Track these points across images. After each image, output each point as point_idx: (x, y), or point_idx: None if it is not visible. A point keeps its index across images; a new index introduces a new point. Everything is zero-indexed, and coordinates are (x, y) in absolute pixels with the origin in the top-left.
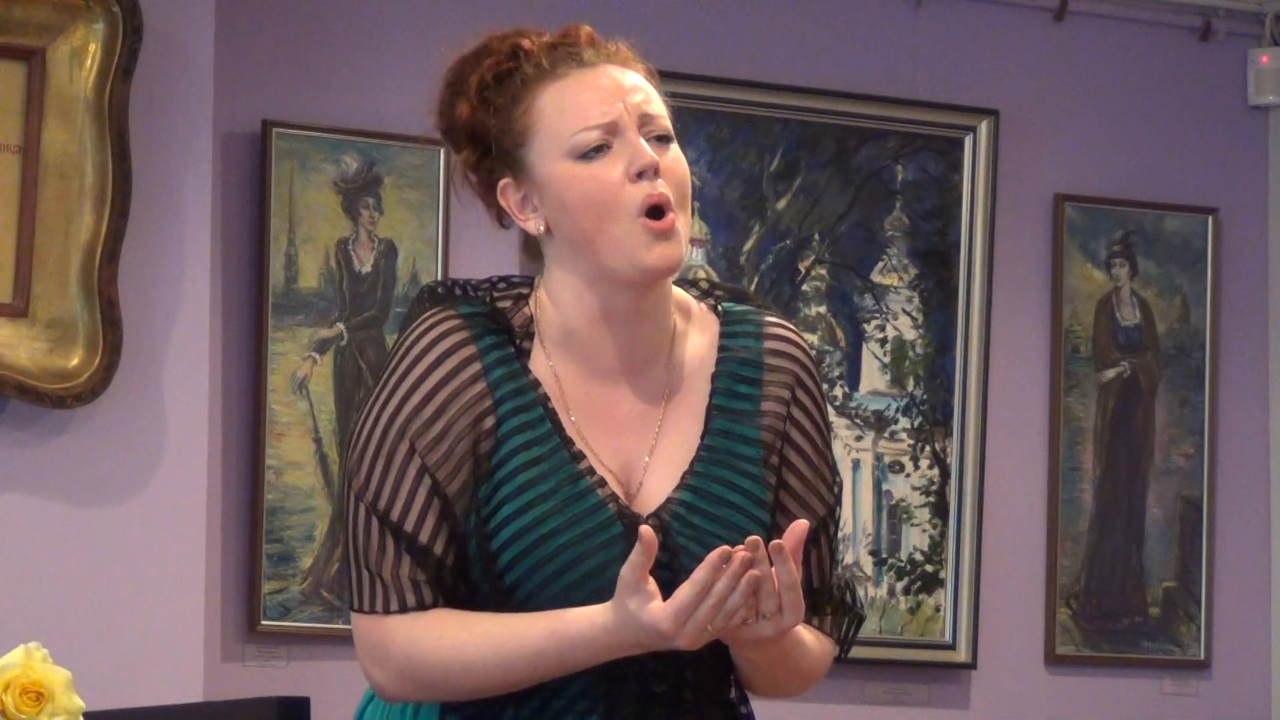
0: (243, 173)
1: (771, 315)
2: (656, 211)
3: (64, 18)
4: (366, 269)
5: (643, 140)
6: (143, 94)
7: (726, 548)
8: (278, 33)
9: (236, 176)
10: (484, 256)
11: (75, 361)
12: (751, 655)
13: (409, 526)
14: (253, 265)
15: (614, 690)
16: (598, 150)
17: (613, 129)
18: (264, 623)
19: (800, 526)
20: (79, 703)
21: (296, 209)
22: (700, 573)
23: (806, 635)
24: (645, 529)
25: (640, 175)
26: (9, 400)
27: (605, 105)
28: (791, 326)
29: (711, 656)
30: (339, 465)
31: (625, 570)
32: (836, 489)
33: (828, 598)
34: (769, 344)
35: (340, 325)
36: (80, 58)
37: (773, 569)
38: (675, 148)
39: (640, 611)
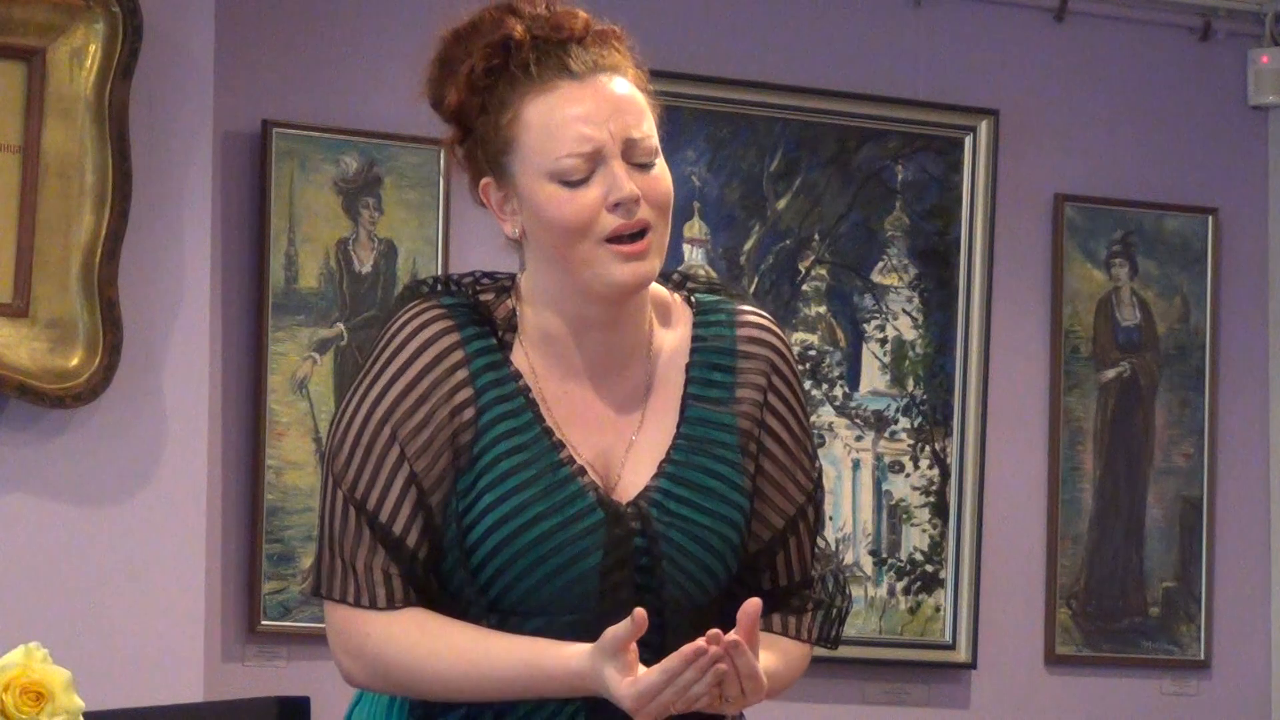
0: (243, 173)
1: (745, 304)
2: (631, 237)
3: (64, 18)
4: (366, 269)
5: (623, 169)
6: (143, 94)
7: (701, 644)
8: (278, 33)
9: (236, 176)
10: (484, 257)
11: (75, 361)
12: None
13: (384, 517)
14: (253, 265)
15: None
16: (579, 176)
17: (595, 156)
18: (264, 623)
19: (753, 607)
20: (79, 703)
21: (296, 209)
22: (672, 662)
23: (774, 661)
24: (640, 611)
25: (617, 206)
26: (9, 400)
27: (590, 129)
28: (766, 315)
29: None
30: None
31: (609, 635)
32: (815, 474)
33: (808, 592)
34: (742, 331)
35: (340, 325)
36: (80, 58)
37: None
38: (660, 163)
39: (611, 680)
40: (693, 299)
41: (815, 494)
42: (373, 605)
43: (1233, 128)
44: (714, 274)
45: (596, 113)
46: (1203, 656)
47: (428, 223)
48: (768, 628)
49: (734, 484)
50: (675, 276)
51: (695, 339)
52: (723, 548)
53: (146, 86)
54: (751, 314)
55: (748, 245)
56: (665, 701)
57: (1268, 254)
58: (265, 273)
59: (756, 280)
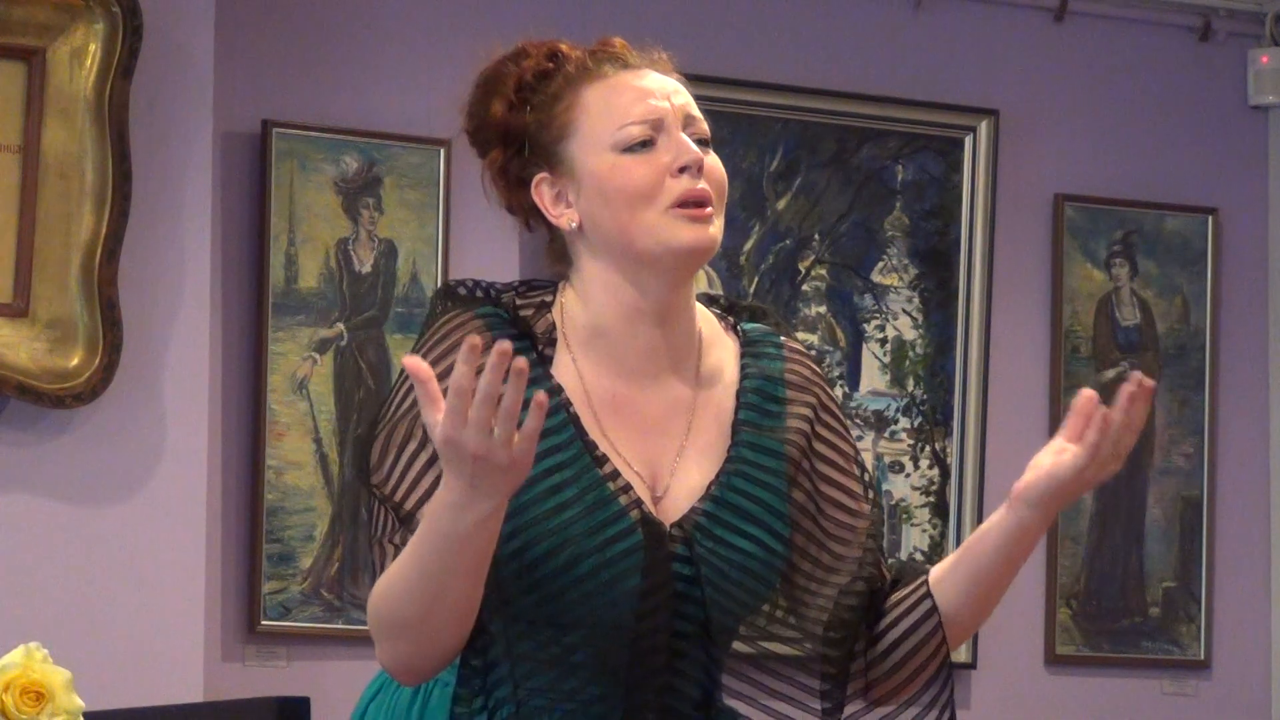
0: (243, 173)
1: (788, 338)
2: (693, 203)
3: (64, 18)
4: (366, 269)
5: (686, 138)
6: (143, 94)
7: (475, 339)
8: (278, 33)
9: (236, 176)
10: (484, 257)
11: (75, 361)
12: (1031, 534)
13: (409, 504)
14: (253, 265)
15: (634, 705)
16: (643, 145)
17: (658, 125)
18: (264, 623)
19: (1140, 379)
20: (79, 703)
21: (296, 209)
22: (456, 368)
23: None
24: (412, 362)
25: (683, 170)
26: (9, 400)
27: (652, 100)
28: (805, 348)
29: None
30: (339, 465)
31: (424, 417)
32: (875, 495)
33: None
34: (790, 365)
35: (340, 325)
36: (80, 58)
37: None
38: (714, 154)
39: (434, 429)
40: (739, 328)
41: (878, 511)
42: (376, 578)
43: (1233, 128)
44: (712, 276)
45: (658, 88)
46: (1203, 656)
47: (428, 223)
48: (918, 591)
49: (778, 512)
50: (722, 302)
51: (745, 367)
52: (765, 573)
53: (146, 86)
54: (796, 350)
55: (748, 245)
56: (477, 419)
57: (1268, 254)
58: (265, 273)
59: (756, 280)
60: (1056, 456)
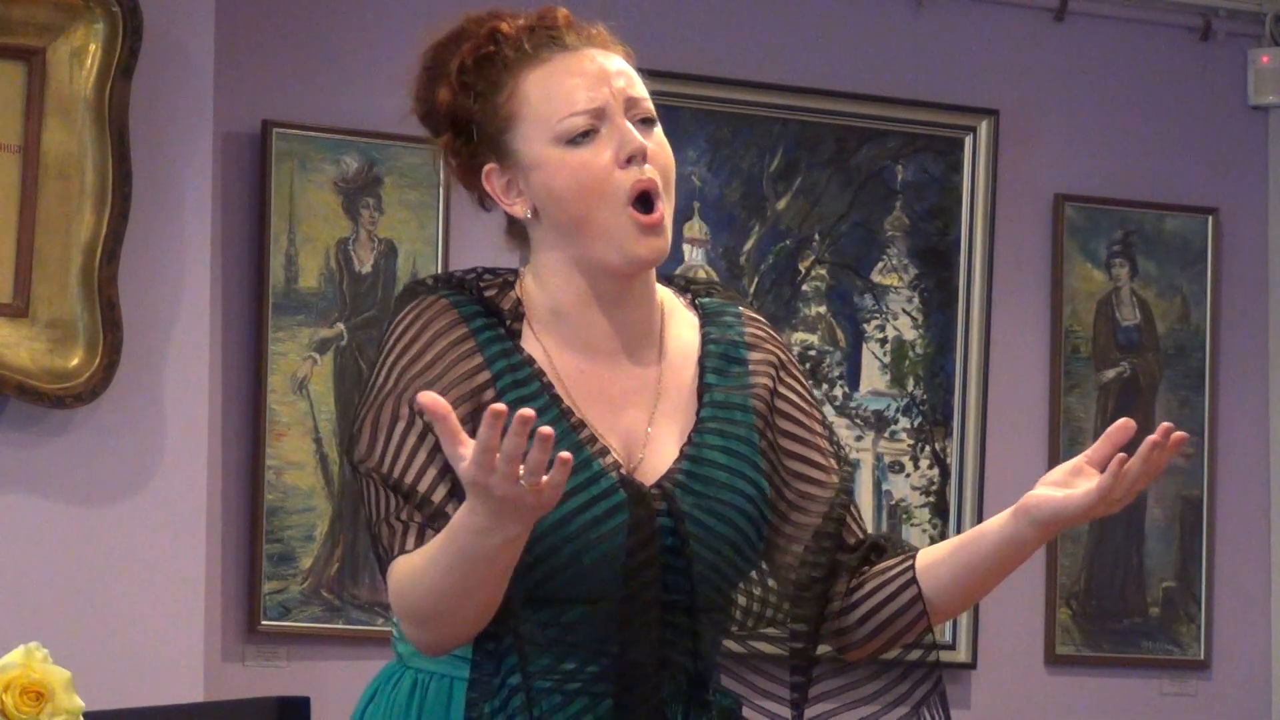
0: (243, 173)
1: (745, 307)
2: (645, 201)
3: (64, 18)
4: (366, 269)
5: (629, 125)
6: (143, 94)
7: (500, 407)
8: (278, 33)
9: (236, 176)
10: (484, 257)
11: (75, 361)
12: (1036, 542)
13: (409, 479)
14: (253, 265)
15: (627, 678)
16: (585, 135)
17: (600, 114)
18: (264, 623)
19: (1128, 423)
20: (79, 703)
21: (296, 209)
22: (480, 431)
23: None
24: (428, 398)
25: (629, 161)
26: (9, 400)
27: (591, 90)
28: (760, 317)
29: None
30: (339, 465)
31: (445, 450)
32: (842, 451)
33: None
34: (749, 329)
35: (340, 325)
36: (80, 58)
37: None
38: (659, 130)
39: (460, 466)
40: (696, 303)
41: (848, 468)
42: (402, 551)
43: (1233, 128)
44: (712, 274)
45: (596, 74)
46: (1203, 656)
47: (428, 223)
48: (902, 566)
49: (753, 464)
50: (679, 280)
51: (706, 335)
52: (746, 526)
53: (146, 86)
54: (752, 315)
55: (748, 245)
56: (505, 473)
57: (1268, 254)
58: (265, 273)
59: (756, 280)
60: (1071, 480)
